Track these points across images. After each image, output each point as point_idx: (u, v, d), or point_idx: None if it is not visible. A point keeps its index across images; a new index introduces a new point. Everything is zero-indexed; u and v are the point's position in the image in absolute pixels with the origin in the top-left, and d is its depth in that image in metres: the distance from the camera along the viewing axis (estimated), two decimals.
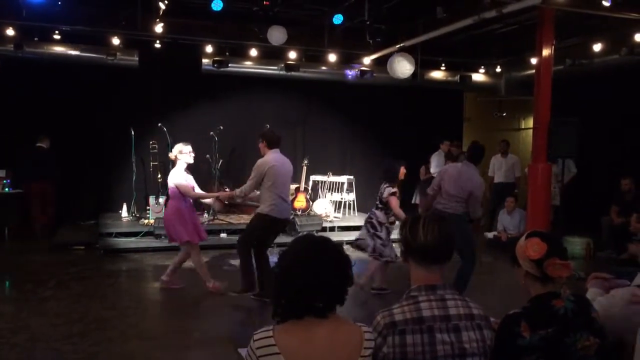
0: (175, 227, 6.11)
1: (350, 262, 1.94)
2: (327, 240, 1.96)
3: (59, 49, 9.65)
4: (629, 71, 9.14)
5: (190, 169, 6.38)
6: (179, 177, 6.12)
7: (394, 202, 6.21)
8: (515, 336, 2.02)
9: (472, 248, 5.83)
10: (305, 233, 2.02)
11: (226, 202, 9.79)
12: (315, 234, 2.01)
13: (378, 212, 6.32)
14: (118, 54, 9.74)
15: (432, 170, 10.13)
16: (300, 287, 1.84)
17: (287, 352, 1.78)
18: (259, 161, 5.83)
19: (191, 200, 6.34)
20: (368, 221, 6.37)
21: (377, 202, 6.40)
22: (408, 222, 2.09)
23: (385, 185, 6.35)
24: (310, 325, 1.83)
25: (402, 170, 6.43)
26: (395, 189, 6.28)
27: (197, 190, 6.41)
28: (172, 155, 6.27)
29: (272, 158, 5.82)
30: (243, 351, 2.11)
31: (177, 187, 6.10)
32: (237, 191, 6.12)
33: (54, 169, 9.31)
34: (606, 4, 7.15)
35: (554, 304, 2.05)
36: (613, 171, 9.13)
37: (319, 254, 1.89)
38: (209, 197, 6.72)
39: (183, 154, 6.16)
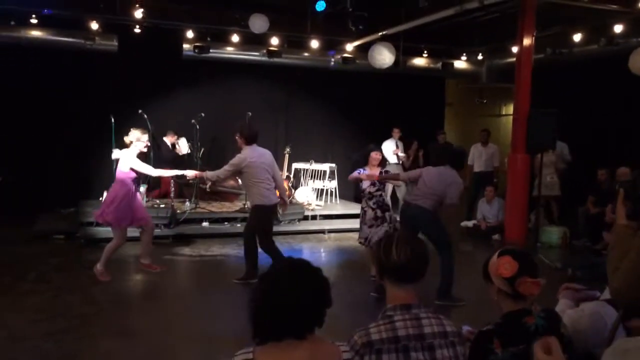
0: (123, 212, 6.04)
1: (329, 285, 1.98)
2: (307, 263, 1.99)
3: (36, 34, 9.47)
4: (608, 61, 9.23)
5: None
6: (135, 161, 6.08)
7: (366, 178, 6.43)
8: (488, 352, 2.09)
9: (445, 238, 5.88)
10: (286, 257, 2.04)
11: (208, 190, 9.82)
12: (295, 258, 2.04)
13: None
14: (97, 38, 9.59)
15: None
16: (279, 311, 1.87)
17: None
18: (237, 157, 6.00)
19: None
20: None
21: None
22: (382, 242, 2.15)
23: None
24: (290, 346, 1.87)
25: (375, 155, 6.52)
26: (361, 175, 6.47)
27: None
28: (127, 140, 6.19)
29: (249, 154, 5.97)
30: None
31: (134, 169, 6.07)
32: (210, 174, 6.31)
33: None
34: None
35: (526, 321, 2.11)
36: (590, 161, 9.26)
37: (298, 278, 1.93)
38: (170, 174, 6.79)
39: (140, 141, 6.12)
